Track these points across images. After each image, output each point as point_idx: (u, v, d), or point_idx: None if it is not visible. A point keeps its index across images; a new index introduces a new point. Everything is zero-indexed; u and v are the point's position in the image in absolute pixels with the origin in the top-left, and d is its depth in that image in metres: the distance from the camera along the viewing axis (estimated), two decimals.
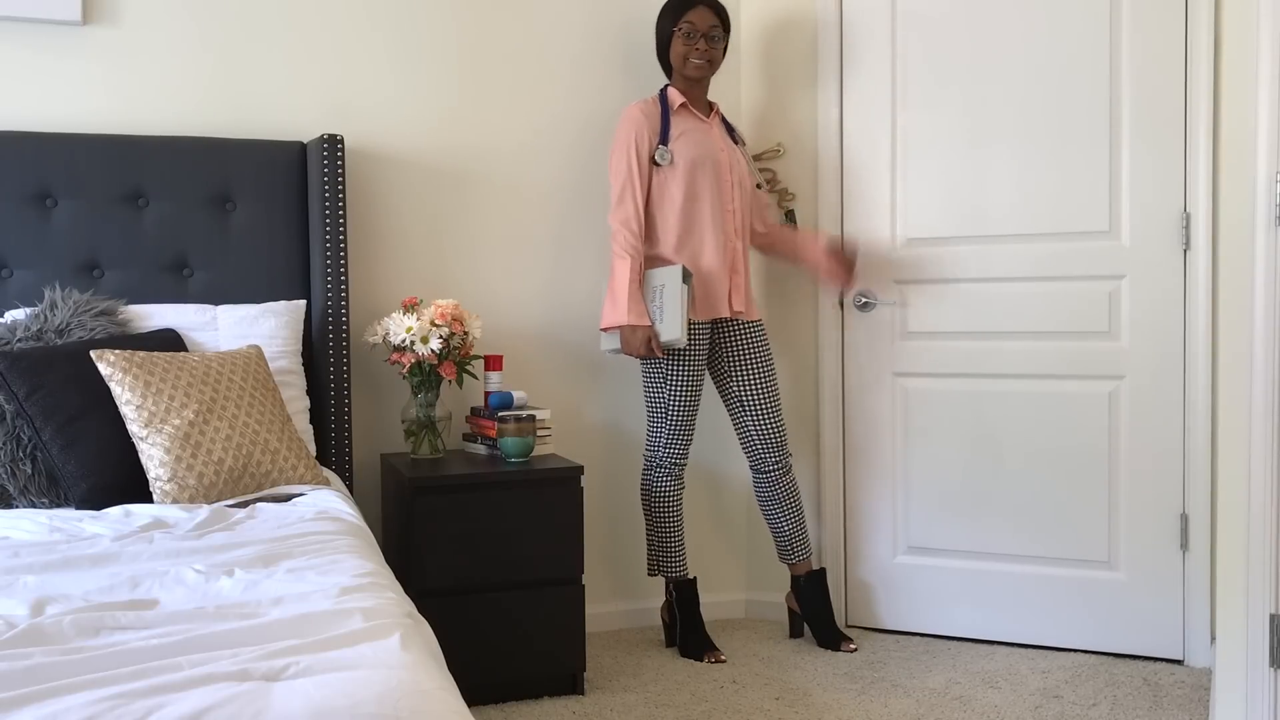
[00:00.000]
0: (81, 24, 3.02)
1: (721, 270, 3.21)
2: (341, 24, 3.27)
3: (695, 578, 3.36)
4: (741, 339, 3.29)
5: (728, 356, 3.30)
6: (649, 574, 3.35)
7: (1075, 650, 3.29)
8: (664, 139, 3.17)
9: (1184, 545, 3.17)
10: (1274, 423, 2.32)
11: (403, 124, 3.33)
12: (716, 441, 3.64)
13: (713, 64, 3.23)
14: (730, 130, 3.34)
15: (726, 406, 3.37)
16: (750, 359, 3.29)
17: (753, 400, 3.29)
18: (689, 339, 3.18)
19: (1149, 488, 3.19)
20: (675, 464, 3.27)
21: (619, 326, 3.12)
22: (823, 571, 3.38)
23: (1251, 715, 2.34)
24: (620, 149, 3.18)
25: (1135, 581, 3.22)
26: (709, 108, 3.31)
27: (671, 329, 3.09)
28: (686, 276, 3.12)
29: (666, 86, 3.27)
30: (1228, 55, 2.99)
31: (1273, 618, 2.32)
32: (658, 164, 3.16)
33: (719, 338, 3.31)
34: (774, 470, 3.32)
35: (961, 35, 3.32)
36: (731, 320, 3.28)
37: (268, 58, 3.19)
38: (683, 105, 3.23)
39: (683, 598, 3.31)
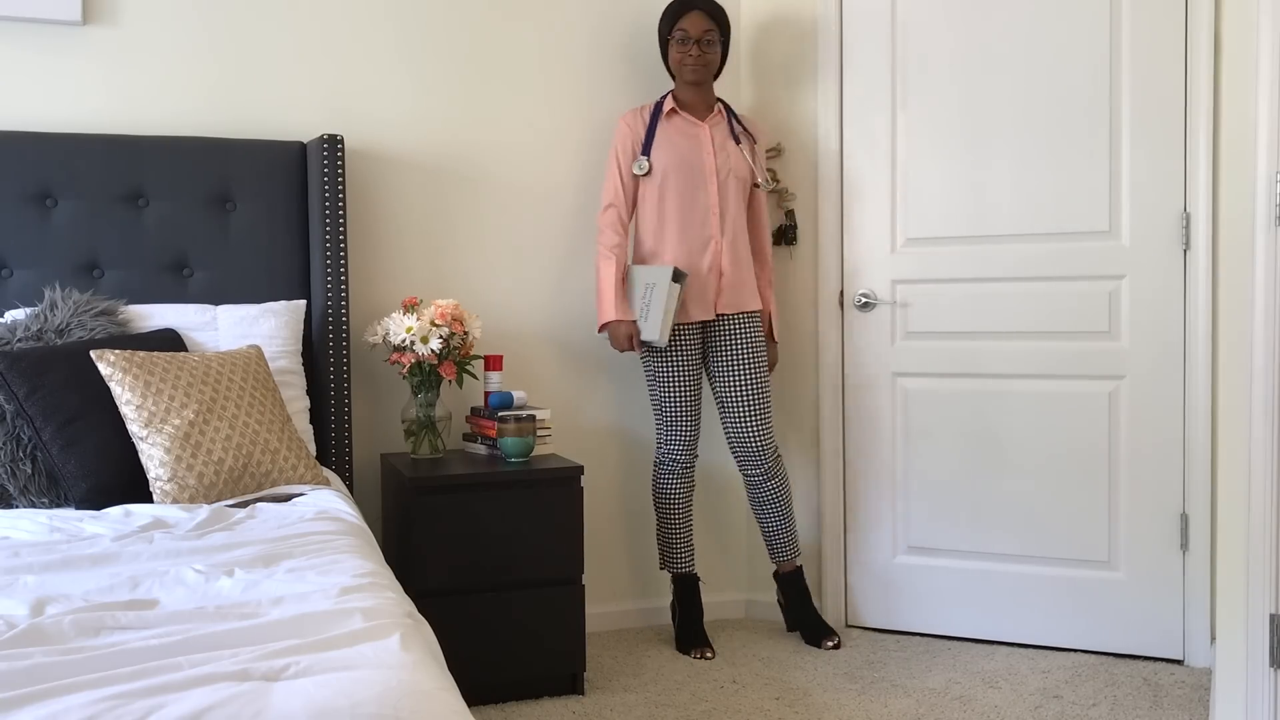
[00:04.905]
0: (81, 24, 3.02)
1: (700, 273, 3.22)
2: (342, 24, 3.27)
3: (696, 574, 3.37)
4: (728, 336, 3.28)
5: (714, 357, 3.31)
6: (660, 568, 3.41)
7: (1075, 650, 3.29)
8: (646, 148, 3.21)
9: (1184, 545, 3.17)
10: (1274, 423, 2.32)
11: (403, 124, 3.33)
12: (717, 442, 3.64)
13: (708, 68, 3.23)
14: (740, 129, 3.32)
15: (717, 408, 3.39)
16: (732, 358, 3.28)
17: (733, 403, 3.29)
18: (671, 340, 3.21)
19: (1149, 488, 3.19)
20: (677, 461, 3.28)
21: (607, 324, 3.19)
22: (799, 570, 3.39)
23: (1251, 715, 2.34)
24: (609, 158, 3.28)
25: (1135, 581, 3.22)
26: (710, 109, 3.30)
27: (651, 329, 3.15)
28: (679, 276, 3.15)
29: (670, 91, 3.29)
30: (1228, 55, 2.98)
31: (1273, 618, 2.32)
32: (635, 174, 3.22)
33: (709, 338, 3.31)
34: (754, 475, 3.32)
35: (961, 35, 3.32)
36: (719, 319, 3.28)
37: (268, 58, 3.19)
38: (672, 110, 3.24)
39: (681, 592, 3.33)
